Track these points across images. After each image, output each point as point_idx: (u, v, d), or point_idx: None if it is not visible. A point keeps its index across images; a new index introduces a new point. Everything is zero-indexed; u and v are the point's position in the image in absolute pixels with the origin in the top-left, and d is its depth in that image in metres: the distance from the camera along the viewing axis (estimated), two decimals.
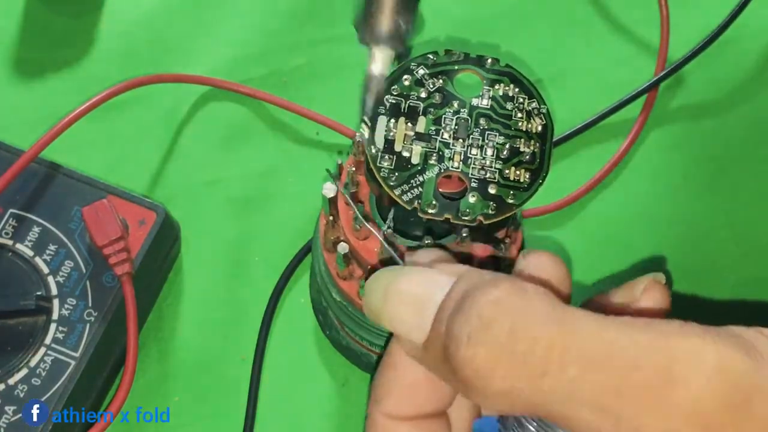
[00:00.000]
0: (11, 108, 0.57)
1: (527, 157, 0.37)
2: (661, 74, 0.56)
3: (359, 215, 0.39)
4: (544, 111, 0.38)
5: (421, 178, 0.37)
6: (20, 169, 0.48)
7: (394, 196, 0.36)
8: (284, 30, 0.60)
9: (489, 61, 0.39)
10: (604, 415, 0.25)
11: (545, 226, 0.54)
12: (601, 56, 0.60)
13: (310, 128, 0.56)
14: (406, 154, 0.37)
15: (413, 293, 0.29)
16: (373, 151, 0.37)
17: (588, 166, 0.55)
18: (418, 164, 0.37)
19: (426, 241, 0.38)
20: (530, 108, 0.38)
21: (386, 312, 0.30)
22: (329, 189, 0.41)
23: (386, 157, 0.37)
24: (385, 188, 0.36)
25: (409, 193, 0.36)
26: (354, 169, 0.41)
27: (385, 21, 0.34)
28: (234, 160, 0.56)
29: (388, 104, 0.38)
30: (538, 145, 0.38)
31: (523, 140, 0.38)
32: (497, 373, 0.26)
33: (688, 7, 0.60)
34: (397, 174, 0.36)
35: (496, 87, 0.39)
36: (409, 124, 0.37)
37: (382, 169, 0.36)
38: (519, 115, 0.38)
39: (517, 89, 0.39)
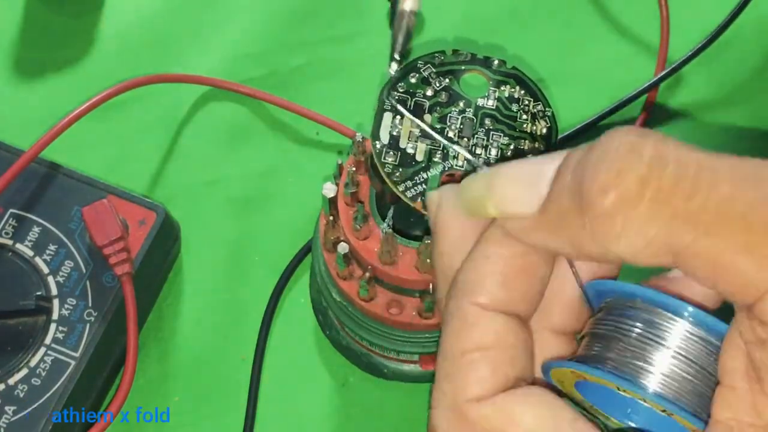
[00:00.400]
0: (11, 108, 0.57)
1: (531, 156, 0.37)
2: (661, 74, 0.56)
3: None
4: (549, 114, 0.38)
5: (424, 176, 0.37)
6: (20, 169, 0.48)
7: (397, 192, 0.36)
8: (284, 30, 0.60)
9: (496, 62, 0.39)
10: (757, 235, 0.23)
11: None
12: (601, 56, 0.60)
13: (310, 128, 0.56)
14: (410, 151, 0.37)
15: (524, 170, 0.27)
16: (378, 146, 0.37)
17: None
18: (422, 161, 0.37)
19: (426, 241, 0.38)
20: (535, 110, 0.38)
21: (492, 194, 0.28)
22: (329, 189, 0.41)
23: (390, 153, 0.37)
24: (389, 184, 0.36)
25: (412, 190, 0.36)
26: (354, 169, 0.41)
27: None
28: (234, 160, 0.56)
29: (394, 101, 0.38)
30: (542, 146, 0.38)
31: (527, 142, 0.38)
32: (645, 196, 0.24)
33: (688, 7, 0.60)
34: (401, 170, 0.36)
35: (502, 88, 0.39)
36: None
37: (387, 165, 0.36)
38: (524, 116, 0.38)
39: (523, 91, 0.39)
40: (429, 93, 0.38)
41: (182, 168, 0.56)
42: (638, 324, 0.27)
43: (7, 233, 0.49)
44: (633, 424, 0.28)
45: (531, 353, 0.29)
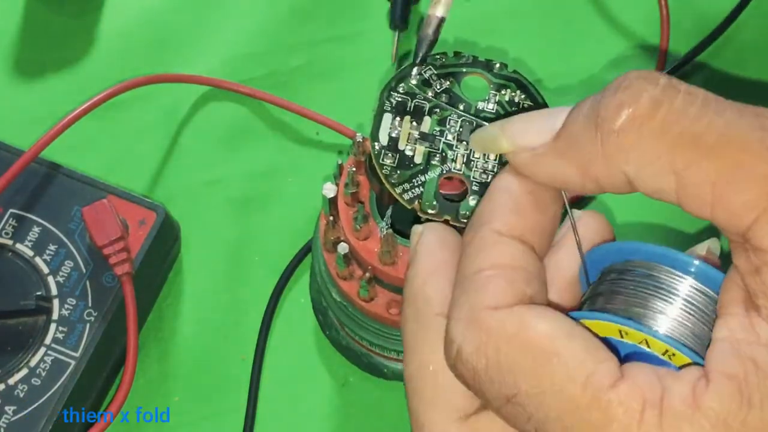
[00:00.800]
0: (11, 108, 0.57)
1: None
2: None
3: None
4: None
5: (422, 178, 0.37)
6: (20, 169, 0.48)
7: (395, 194, 0.36)
8: (284, 30, 0.60)
9: (497, 65, 0.39)
10: (754, 156, 0.25)
11: None
12: (601, 56, 0.60)
13: (310, 128, 0.56)
14: (409, 153, 0.37)
15: (537, 112, 0.30)
16: (377, 147, 0.37)
17: None
18: (420, 164, 0.37)
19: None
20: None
21: (506, 131, 0.30)
22: (329, 189, 0.41)
23: (389, 154, 0.37)
24: (387, 186, 0.36)
25: (410, 192, 0.36)
26: (354, 169, 0.41)
27: None
28: (234, 160, 0.56)
29: (394, 102, 0.38)
30: None
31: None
32: (657, 114, 0.26)
33: (688, 7, 0.60)
34: (399, 172, 0.36)
35: (503, 92, 0.39)
36: (414, 123, 0.37)
37: (384, 167, 0.36)
38: None
39: (523, 95, 0.39)
40: (429, 95, 0.38)
41: (182, 168, 0.56)
42: (638, 278, 0.29)
43: (7, 233, 0.49)
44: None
45: (544, 282, 0.30)
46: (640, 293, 0.29)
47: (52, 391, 0.46)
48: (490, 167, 0.37)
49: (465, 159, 0.37)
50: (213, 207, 0.55)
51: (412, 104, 0.38)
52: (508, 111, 0.38)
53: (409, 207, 0.36)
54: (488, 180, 0.37)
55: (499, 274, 0.28)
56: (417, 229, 0.33)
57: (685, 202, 0.26)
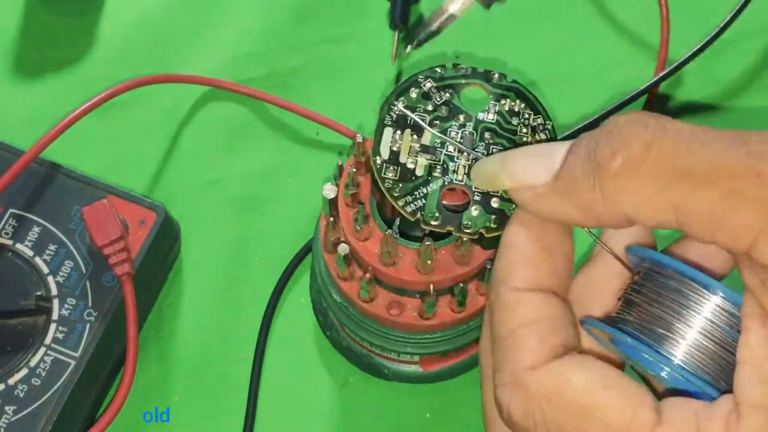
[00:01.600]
0: (11, 108, 0.57)
1: None
2: (661, 74, 0.56)
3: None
4: (549, 127, 0.38)
5: (424, 190, 0.37)
6: (20, 169, 0.48)
7: (397, 207, 0.36)
8: (284, 30, 0.60)
9: (496, 76, 0.39)
10: (744, 181, 0.27)
11: None
12: (601, 56, 0.60)
13: (310, 128, 0.56)
14: (410, 165, 0.37)
15: (536, 148, 0.31)
16: (378, 161, 0.37)
17: None
18: (422, 176, 0.37)
19: (426, 243, 0.38)
20: (535, 124, 0.38)
21: (506, 168, 0.31)
22: (330, 190, 0.41)
23: (391, 168, 0.37)
24: (389, 199, 0.37)
25: (412, 205, 0.36)
26: (355, 170, 0.41)
27: None
28: (234, 160, 0.56)
29: (394, 116, 0.38)
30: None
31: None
32: (649, 157, 0.27)
33: (688, 7, 0.60)
34: (401, 185, 0.37)
35: (502, 102, 0.39)
36: (415, 136, 0.37)
37: (387, 180, 0.37)
38: (524, 130, 0.38)
39: (523, 104, 0.39)
40: (429, 108, 0.38)
41: (182, 168, 0.56)
42: (667, 294, 0.30)
43: (7, 233, 0.49)
44: (666, 377, 0.30)
45: (572, 323, 0.32)
46: (665, 311, 0.30)
47: (52, 391, 0.46)
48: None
49: (467, 170, 0.37)
50: (213, 207, 0.55)
51: (412, 118, 0.38)
52: (508, 121, 0.38)
53: (412, 219, 0.36)
54: (489, 191, 0.37)
55: (529, 333, 0.30)
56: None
57: (688, 231, 0.28)
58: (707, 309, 0.29)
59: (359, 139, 0.40)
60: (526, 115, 0.38)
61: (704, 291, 0.29)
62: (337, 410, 0.51)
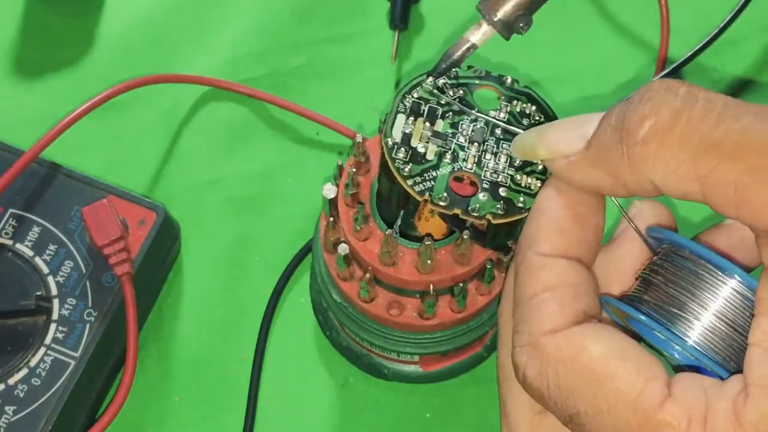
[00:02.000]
0: (11, 108, 0.57)
1: (540, 167, 0.38)
2: (661, 74, 0.56)
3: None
4: None
5: (434, 173, 0.37)
6: (20, 169, 0.48)
7: (405, 187, 0.36)
8: (284, 30, 0.60)
9: (508, 80, 0.39)
10: None
11: None
12: (601, 56, 0.60)
13: (310, 128, 0.56)
14: (421, 150, 0.37)
15: (571, 120, 0.31)
16: (390, 143, 0.37)
17: None
18: (432, 160, 0.37)
19: (426, 242, 0.38)
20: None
21: (542, 140, 0.32)
22: (329, 190, 0.41)
23: (402, 149, 0.37)
24: (398, 178, 0.36)
25: (420, 185, 0.36)
26: (354, 170, 0.41)
27: (510, 7, 0.37)
28: (234, 160, 0.56)
29: (408, 104, 0.38)
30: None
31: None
32: (678, 125, 0.27)
33: (688, 7, 0.60)
34: (410, 166, 0.37)
35: (514, 104, 0.39)
36: (428, 123, 0.37)
37: (397, 160, 0.37)
38: None
39: (534, 107, 0.39)
40: (443, 101, 0.38)
41: (182, 168, 0.56)
42: (683, 275, 0.30)
43: (7, 233, 0.49)
44: (677, 356, 0.31)
45: (595, 292, 0.32)
46: (681, 292, 0.30)
47: (52, 391, 0.46)
48: (501, 168, 0.37)
49: (476, 159, 0.37)
50: (213, 207, 0.55)
51: (426, 107, 0.38)
52: (519, 120, 0.39)
53: (420, 198, 0.36)
54: (498, 180, 0.37)
55: (551, 297, 0.31)
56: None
57: (712, 203, 0.28)
58: (722, 291, 0.29)
59: (359, 139, 0.41)
60: (537, 117, 0.39)
61: (720, 273, 0.29)
62: (337, 410, 0.51)
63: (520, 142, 0.34)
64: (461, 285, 0.41)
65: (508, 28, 0.37)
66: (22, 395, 0.46)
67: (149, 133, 0.57)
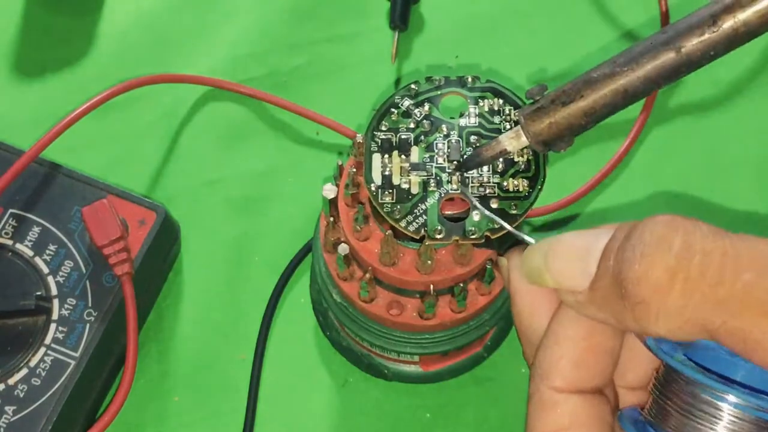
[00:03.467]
0: (11, 108, 0.57)
1: (522, 166, 0.38)
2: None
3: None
4: None
5: (423, 206, 0.37)
6: (20, 169, 0.48)
7: (400, 228, 0.37)
8: (284, 30, 0.60)
9: (470, 79, 0.40)
10: None
11: (546, 227, 0.54)
12: (601, 56, 0.60)
13: (310, 128, 0.56)
14: (405, 186, 0.38)
15: (575, 246, 0.30)
16: (373, 188, 0.37)
17: (588, 166, 0.55)
18: (418, 193, 0.37)
19: (426, 243, 0.39)
20: (517, 117, 0.39)
21: (549, 268, 0.31)
22: (329, 190, 0.41)
23: (386, 192, 0.37)
24: (391, 222, 0.37)
25: (414, 223, 0.37)
26: (354, 170, 0.41)
27: (555, 129, 0.35)
28: (234, 160, 0.56)
29: (379, 141, 0.38)
30: (530, 152, 0.38)
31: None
32: (675, 286, 0.27)
33: (688, 7, 0.60)
34: (399, 206, 0.37)
35: (481, 104, 0.39)
36: (403, 156, 0.38)
37: (385, 205, 0.37)
38: (507, 126, 0.39)
39: (501, 101, 0.39)
40: (411, 125, 0.39)
41: (182, 168, 0.56)
42: (688, 398, 0.29)
43: (7, 233, 0.49)
44: None
45: (608, 423, 0.32)
46: (690, 420, 0.29)
47: (52, 391, 0.46)
48: (485, 180, 0.38)
49: (459, 177, 0.38)
50: (213, 207, 0.55)
51: (397, 138, 0.38)
52: (490, 120, 0.39)
53: (417, 237, 0.37)
54: (486, 193, 0.37)
55: None
56: (502, 261, 0.35)
57: (722, 344, 0.27)
58: (729, 413, 0.29)
59: (359, 139, 0.41)
60: (507, 111, 0.39)
61: (722, 394, 0.29)
62: (337, 410, 0.51)
63: (527, 265, 0.33)
64: (461, 285, 0.41)
65: (547, 146, 0.35)
66: (22, 395, 0.46)
67: (149, 133, 0.56)
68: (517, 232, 0.36)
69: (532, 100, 0.35)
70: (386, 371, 0.49)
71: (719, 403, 0.29)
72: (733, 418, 0.29)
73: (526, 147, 0.36)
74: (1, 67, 0.58)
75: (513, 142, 0.36)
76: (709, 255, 0.27)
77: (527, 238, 0.34)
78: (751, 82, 0.59)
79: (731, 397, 0.28)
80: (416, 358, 0.47)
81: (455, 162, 0.38)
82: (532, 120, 0.35)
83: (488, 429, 0.50)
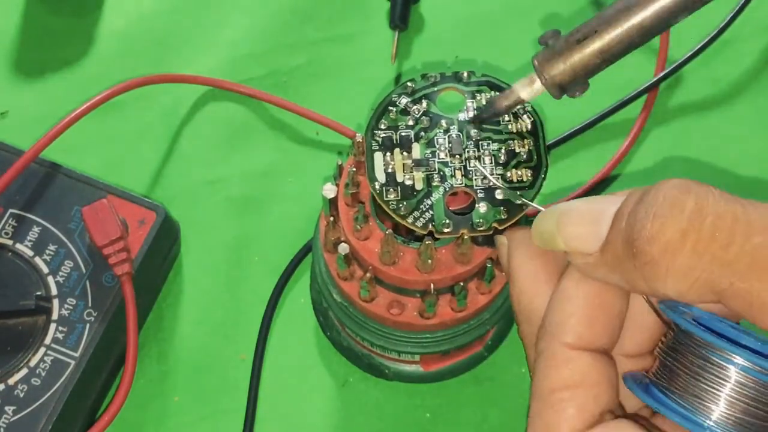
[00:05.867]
0: (11, 108, 0.57)
1: (524, 156, 0.38)
2: (661, 74, 0.56)
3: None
4: (529, 109, 0.39)
5: (429, 202, 0.37)
6: (20, 169, 0.48)
7: (407, 225, 0.37)
8: (284, 30, 0.60)
9: (465, 74, 0.40)
10: None
11: None
12: None
13: (310, 128, 0.56)
14: (408, 182, 0.38)
15: (588, 209, 0.30)
16: (377, 187, 0.37)
17: (588, 166, 0.55)
18: (422, 189, 0.37)
19: (426, 242, 0.39)
20: (516, 109, 0.39)
21: (560, 231, 0.31)
22: (329, 190, 0.41)
23: (391, 189, 0.37)
24: (397, 219, 0.37)
25: (421, 219, 0.37)
26: (354, 169, 0.41)
27: (569, 70, 0.34)
28: (234, 160, 0.56)
29: (379, 139, 0.38)
30: (531, 142, 0.39)
31: (516, 141, 0.39)
32: (686, 246, 0.27)
33: None
34: (405, 203, 0.37)
35: (478, 98, 0.39)
36: (405, 153, 0.38)
37: (390, 202, 0.37)
38: (507, 118, 0.39)
39: (498, 95, 0.39)
40: (410, 123, 0.39)
41: (182, 168, 0.56)
42: (696, 361, 0.30)
43: (7, 233, 0.49)
44: None
45: (614, 385, 0.32)
46: (699, 381, 0.30)
47: (52, 391, 0.46)
48: (488, 172, 0.38)
49: (463, 171, 0.38)
50: (213, 207, 0.55)
51: (398, 136, 0.38)
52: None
53: (425, 233, 0.37)
54: (490, 184, 0.37)
55: (570, 399, 0.31)
56: (501, 240, 0.35)
57: (729, 308, 0.28)
58: (736, 375, 0.29)
59: (359, 138, 0.41)
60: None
61: (731, 356, 0.29)
62: (337, 410, 0.51)
63: (539, 228, 0.33)
64: (462, 284, 0.41)
65: (562, 90, 0.35)
66: (22, 395, 0.46)
67: (149, 133, 0.57)
68: (532, 203, 0.36)
69: (545, 45, 0.35)
70: (387, 371, 0.49)
71: (727, 365, 0.29)
72: (740, 380, 0.29)
73: (540, 93, 0.36)
74: (1, 67, 0.58)
75: (527, 89, 0.36)
76: (720, 218, 0.27)
77: (540, 207, 0.34)
78: (751, 82, 0.59)
79: (739, 360, 0.29)
80: (417, 358, 0.47)
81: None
82: (547, 63, 0.34)
83: (488, 429, 0.50)
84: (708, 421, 0.29)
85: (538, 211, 0.33)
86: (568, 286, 0.32)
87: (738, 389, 0.29)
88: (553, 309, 0.32)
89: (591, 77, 0.35)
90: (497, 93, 0.39)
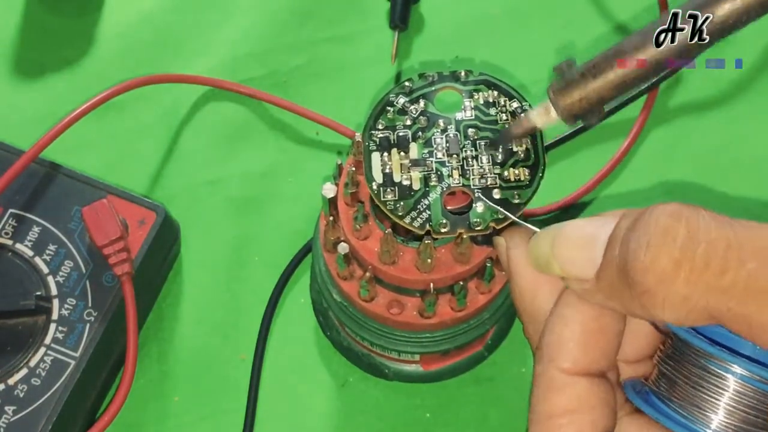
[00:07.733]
0: (11, 108, 0.57)
1: (522, 155, 0.38)
2: (661, 74, 0.56)
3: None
4: (527, 107, 0.39)
5: (426, 202, 0.37)
6: (20, 169, 0.48)
7: (405, 225, 0.37)
8: (284, 30, 0.60)
9: (463, 73, 0.40)
10: None
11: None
12: None
13: (310, 128, 0.56)
14: (406, 182, 0.38)
15: (581, 234, 0.30)
16: (375, 187, 0.37)
17: (588, 166, 0.55)
18: (420, 189, 0.37)
19: (426, 241, 0.39)
20: (512, 108, 0.39)
21: (556, 256, 0.31)
22: (329, 189, 0.41)
23: (388, 189, 0.37)
24: (395, 219, 0.37)
25: (418, 219, 0.37)
26: (354, 169, 0.41)
27: (585, 101, 0.34)
28: (234, 160, 0.56)
29: (377, 140, 0.38)
30: (529, 141, 0.38)
31: (514, 140, 0.38)
32: (680, 276, 0.27)
33: None
34: (402, 203, 0.37)
35: (476, 96, 0.39)
36: (402, 153, 0.38)
37: (387, 203, 0.37)
38: (504, 117, 0.39)
39: (496, 93, 0.39)
40: (408, 122, 0.39)
41: (182, 168, 0.56)
42: (696, 369, 0.30)
43: (7, 233, 0.49)
44: None
45: (613, 408, 0.32)
46: (695, 390, 0.30)
47: (52, 391, 0.46)
48: (486, 171, 0.38)
49: (461, 170, 0.38)
50: (213, 207, 0.55)
51: (395, 136, 0.39)
52: (486, 112, 0.39)
53: (422, 232, 0.37)
54: (488, 184, 0.37)
55: (569, 424, 0.31)
56: (499, 240, 0.35)
57: (727, 328, 0.28)
58: (735, 384, 0.29)
59: (358, 138, 0.41)
60: (502, 102, 0.39)
61: (730, 365, 0.29)
62: (337, 410, 0.51)
63: (534, 252, 0.33)
64: (461, 283, 0.41)
65: (577, 119, 0.35)
66: (22, 395, 0.46)
67: (149, 133, 0.57)
68: (521, 221, 0.36)
69: (560, 76, 0.35)
70: (387, 371, 0.49)
71: (726, 375, 0.29)
72: (739, 389, 0.29)
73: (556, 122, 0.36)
74: (1, 67, 0.58)
75: (542, 117, 0.36)
76: (713, 245, 0.27)
77: (531, 227, 0.34)
78: (751, 82, 0.59)
79: (738, 369, 0.29)
80: (417, 357, 0.47)
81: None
82: (562, 95, 0.35)
83: (488, 429, 0.50)
84: (707, 430, 0.29)
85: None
86: (564, 311, 0.32)
87: (737, 398, 0.29)
88: (551, 333, 0.32)
89: (605, 104, 0.35)
90: (494, 91, 0.39)
